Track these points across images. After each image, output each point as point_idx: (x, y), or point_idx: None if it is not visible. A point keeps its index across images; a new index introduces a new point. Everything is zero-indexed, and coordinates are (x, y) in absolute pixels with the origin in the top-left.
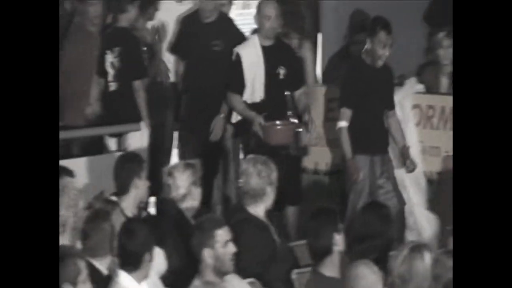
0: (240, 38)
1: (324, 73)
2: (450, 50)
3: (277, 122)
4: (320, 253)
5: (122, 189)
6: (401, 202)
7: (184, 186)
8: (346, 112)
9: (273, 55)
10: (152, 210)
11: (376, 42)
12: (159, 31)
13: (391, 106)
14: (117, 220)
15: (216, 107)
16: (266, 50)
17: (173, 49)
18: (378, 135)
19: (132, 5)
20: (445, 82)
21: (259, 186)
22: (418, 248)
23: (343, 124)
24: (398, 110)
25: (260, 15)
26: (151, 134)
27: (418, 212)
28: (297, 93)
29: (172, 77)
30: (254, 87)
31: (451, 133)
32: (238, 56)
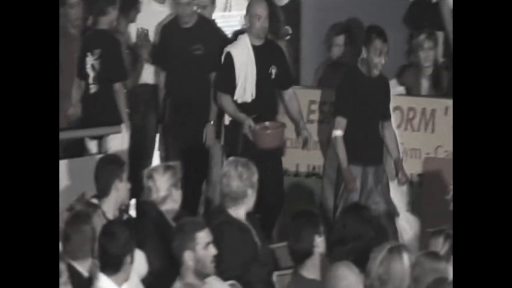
0: (221, 39)
1: (304, 75)
2: (431, 52)
3: (267, 125)
4: (301, 255)
5: (103, 192)
6: (393, 213)
7: (164, 188)
8: (341, 121)
9: (264, 55)
10: (133, 212)
11: (371, 50)
12: (142, 35)
13: (386, 116)
14: (98, 223)
15: (200, 110)
16: (256, 49)
17: (154, 60)
18: (372, 145)
19: (112, 7)
20: (425, 84)
21: (240, 188)
22: (396, 249)
23: (338, 133)
24: None
25: (250, 15)
26: (132, 136)
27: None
28: (287, 93)
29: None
30: (245, 86)
31: (432, 135)
32: (229, 55)
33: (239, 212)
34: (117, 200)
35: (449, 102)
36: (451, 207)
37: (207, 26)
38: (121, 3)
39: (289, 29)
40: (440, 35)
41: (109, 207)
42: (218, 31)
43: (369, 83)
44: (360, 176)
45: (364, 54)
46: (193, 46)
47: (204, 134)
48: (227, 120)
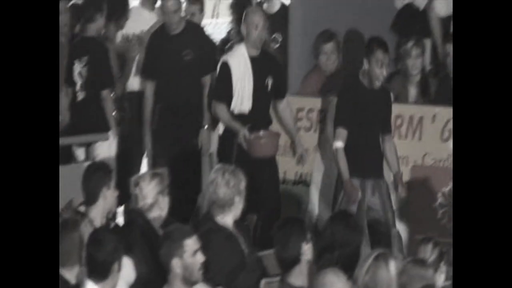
0: (210, 44)
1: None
2: (419, 60)
3: (261, 134)
4: (289, 262)
5: (90, 199)
6: (390, 224)
7: (151, 196)
8: (342, 132)
9: (261, 66)
10: (120, 219)
11: (373, 61)
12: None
13: (387, 130)
14: (86, 230)
15: (192, 116)
16: (253, 60)
17: (143, 71)
18: (371, 158)
19: (100, 15)
20: (413, 91)
21: (227, 196)
22: (383, 257)
23: (339, 144)
24: None
25: (247, 24)
26: (119, 143)
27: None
28: (282, 104)
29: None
30: (242, 97)
31: (419, 142)
32: (226, 65)
33: (227, 219)
34: (104, 207)
35: (437, 110)
36: (439, 215)
37: (196, 31)
38: (109, 10)
39: (279, 36)
40: (427, 42)
41: (97, 215)
42: (207, 37)
43: (370, 95)
44: (359, 188)
45: (365, 65)
46: (183, 52)
47: (200, 139)
48: (220, 129)
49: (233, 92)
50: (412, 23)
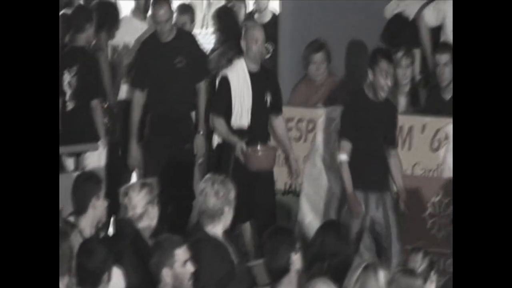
0: (201, 52)
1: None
2: (409, 69)
3: (258, 147)
4: (278, 272)
5: (80, 209)
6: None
7: (140, 206)
8: (347, 145)
9: (260, 82)
10: (110, 229)
11: (377, 72)
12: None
13: (392, 143)
14: (75, 240)
15: (184, 123)
16: (253, 76)
17: (133, 80)
18: (375, 171)
19: (89, 24)
20: (403, 101)
21: (216, 206)
22: (372, 267)
23: (344, 157)
24: None
25: (247, 39)
26: (109, 153)
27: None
28: (278, 119)
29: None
30: (241, 112)
31: (409, 152)
32: (226, 79)
33: (216, 229)
34: (94, 217)
35: (426, 120)
36: (428, 225)
37: (187, 39)
38: (100, 20)
39: (270, 46)
40: (417, 52)
41: (86, 225)
42: (198, 46)
43: (375, 108)
44: (363, 201)
45: (370, 76)
46: (175, 59)
47: (195, 145)
48: (216, 142)
49: (232, 106)
50: (402, 33)
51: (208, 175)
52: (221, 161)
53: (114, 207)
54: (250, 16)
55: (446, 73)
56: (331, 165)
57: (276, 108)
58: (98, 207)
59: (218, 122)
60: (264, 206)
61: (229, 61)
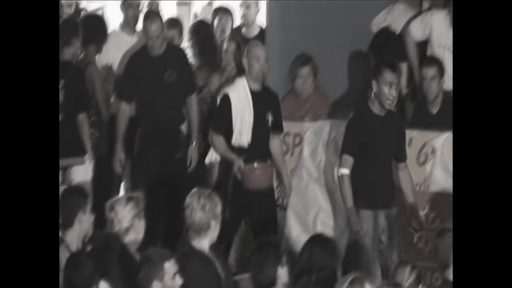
0: (190, 68)
1: None
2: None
3: (256, 165)
4: (264, 286)
5: (66, 223)
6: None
7: (126, 220)
8: (348, 159)
9: (261, 102)
10: (97, 243)
11: (381, 82)
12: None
13: (401, 157)
14: (62, 255)
15: (174, 136)
16: (254, 95)
17: (121, 93)
18: (383, 187)
19: (76, 38)
20: None
21: (203, 220)
22: (358, 280)
23: (345, 171)
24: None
25: (249, 57)
26: (96, 167)
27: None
28: (276, 138)
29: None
30: (242, 131)
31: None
32: (227, 98)
33: (203, 243)
34: (80, 232)
35: (413, 134)
36: (415, 239)
37: (177, 52)
38: (88, 34)
39: None
40: (403, 66)
41: (73, 239)
42: (188, 57)
43: (380, 122)
44: (372, 220)
45: (374, 87)
46: (165, 73)
47: (188, 156)
48: (214, 158)
49: (233, 124)
50: (389, 46)
51: (194, 189)
52: (221, 179)
53: (101, 222)
54: (237, 30)
55: (432, 87)
56: (318, 179)
57: (275, 127)
58: (84, 221)
59: (217, 140)
60: (265, 222)
61: (231, 80)
